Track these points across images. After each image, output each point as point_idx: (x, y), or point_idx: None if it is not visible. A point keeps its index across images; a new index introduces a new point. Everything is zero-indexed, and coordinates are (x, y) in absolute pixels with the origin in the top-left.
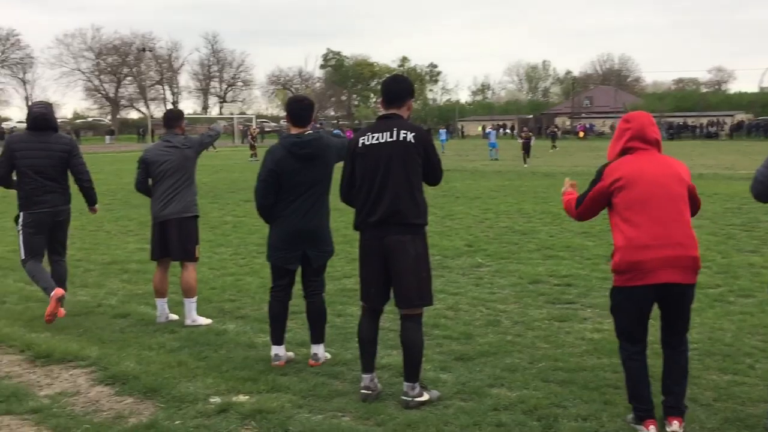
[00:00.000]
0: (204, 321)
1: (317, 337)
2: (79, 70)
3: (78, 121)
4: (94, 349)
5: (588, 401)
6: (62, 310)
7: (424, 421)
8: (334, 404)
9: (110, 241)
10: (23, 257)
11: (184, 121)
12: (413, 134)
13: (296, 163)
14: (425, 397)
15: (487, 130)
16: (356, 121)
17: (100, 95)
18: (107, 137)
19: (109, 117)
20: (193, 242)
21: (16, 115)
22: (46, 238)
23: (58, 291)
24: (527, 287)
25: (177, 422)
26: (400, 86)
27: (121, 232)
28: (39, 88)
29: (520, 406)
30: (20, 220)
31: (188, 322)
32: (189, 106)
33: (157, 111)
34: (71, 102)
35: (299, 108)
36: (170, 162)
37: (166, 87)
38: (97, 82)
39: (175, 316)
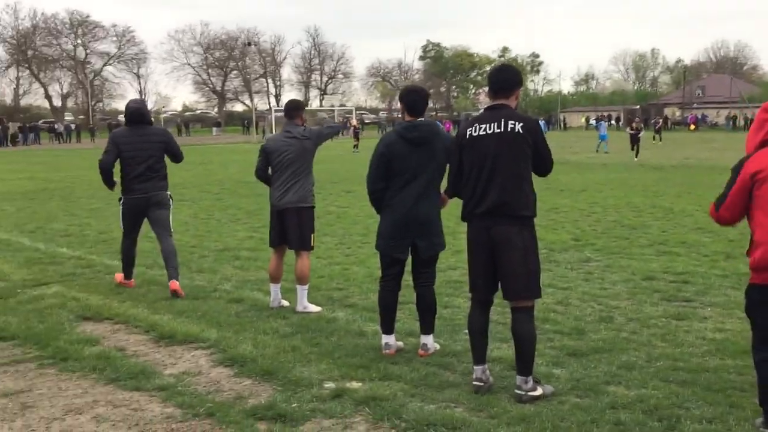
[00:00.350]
0: (314, 308)
1: (427, 328)
2: (189, 64)
3: (187, 113)
4: (213, 332)
5: (712, 403)
6: (132, 282)
7: (539, 416)
8: (446, 395)
9: (221, 229)
10: (123, 233)
11: (304, 112)
12: (522, 124)
13: (406, 148)
14: (539, 391)
15: (597, 121)
16: (455, 113)
17: (207, 88)
18: (214, 129)
19: (216, 109)
20: (308, 232)
21: None
22: (141, 219)
23: (130, 284)
24: (641, 284)
25: (294, 405)
26: (508, 75)
27: (230, 221)
28: (151, 82)
29: (639, 405)
30: (121, 202)
31: (299, 308)
32: (291, 98)
33: (261, 104)
34: (181, 95)
35: (416, 98)
36: (289, 152)
37: (270, 80)
38: (205, 76)
39: (286, 303)
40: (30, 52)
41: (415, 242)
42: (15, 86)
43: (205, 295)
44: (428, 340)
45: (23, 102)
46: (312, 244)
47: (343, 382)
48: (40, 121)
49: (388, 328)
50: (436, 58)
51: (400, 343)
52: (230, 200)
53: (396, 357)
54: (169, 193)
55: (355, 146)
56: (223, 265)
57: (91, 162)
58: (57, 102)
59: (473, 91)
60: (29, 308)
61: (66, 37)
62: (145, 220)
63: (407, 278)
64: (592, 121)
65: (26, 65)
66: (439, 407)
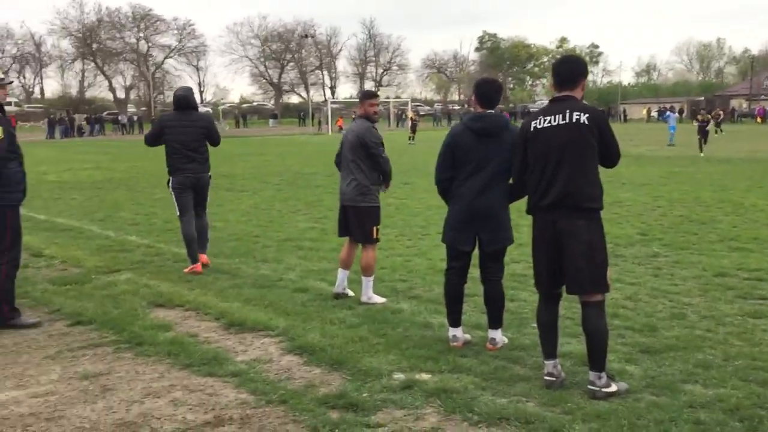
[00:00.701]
0: (379, 299)
1: (495, 321)
2: (247, 56)
3: (244, 105)
4: (281, 321)
5: None
6: (200, 266)
7: (615, 413)
8: (517, 389)
9: (282, 220)
10: (178, 214)
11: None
12: (587, 115)
13: (472, 139)
14: (613, 387)
15: (665, 113)
16: (511, 105)
17: (264, 81)
18: (271, 121)
19: (273, 101)
20: (370, 226)
21: None
22: (191, 198)
23: (197, 267)
24: (713, 280)
25: (365, 395)
26: (573, 66)
27: (291, 212)
28: (210, 75)
29: (718, 405)
30: (170, 184)
31: (364, 299)
32: (346, 90)
33: (317, 95)
34: (238, 87)
35: (491, 89)
36: (345, 144)
37: (325, 72)
38: (262, 68)
39: (351, 293)
40: (95, 46)
41: (479, 235)
42: (80, 79)
43: (270, 284)
44: (496, 334)
45: (88, 94)
46: (375, 237)
47: (413, 374)
48: (104, 113)
49: (454, 320)
50: (492, 49)
51: (468, 336)
52: (289, 191)
53: (464, 350)
54: (209, 174)
55: (411, 138)
56: (286, 255)
57: (154, 152)
58: (120, 94)
59: (530, 82)
60: (104, 294)
61: (129, 30)
62: None
63: (473, 271)
64: (655, 113)
65: (91, 58)
66: (511, 401)
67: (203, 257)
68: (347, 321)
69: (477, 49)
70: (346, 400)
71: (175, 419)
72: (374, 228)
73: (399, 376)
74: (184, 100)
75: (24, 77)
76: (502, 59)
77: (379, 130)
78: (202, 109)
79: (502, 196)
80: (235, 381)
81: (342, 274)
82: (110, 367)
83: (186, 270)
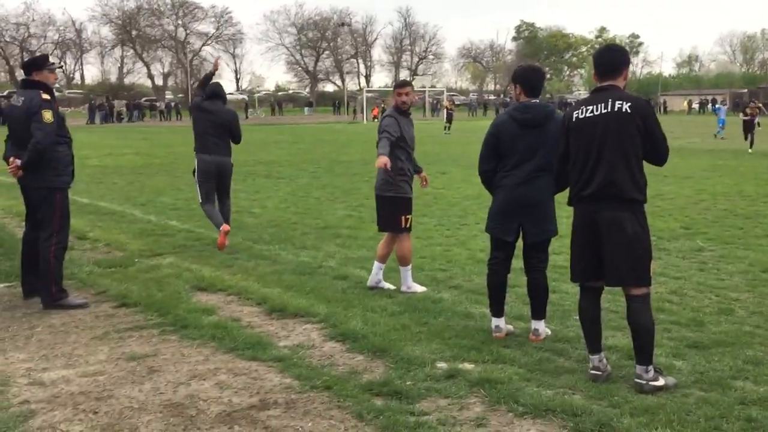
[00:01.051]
0: (419, 288)
1: (538, 312)
2: (283, 44)
3: (280, 93)
4: (322, 307)
5: None
6: (227, 242)
7: (663, 408)
8: (562, 381)
9: (320, 207)
10: (200, 201)
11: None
12: (629, 104)
13: (517, 129)
14: (661, 381)
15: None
16: (548, 95)
17: (300, 69)
18: (306, 109)
19: (308, 90)
20: (397, 215)
21: (228, 87)
22: (213, 185)
23: (225, 227)
24: (760, 276)
25: (408, 383)
26: (615, 55)
27: (328, 199)
28: (246, 62)
29: None
30: (195, 172)
31: (404, 288)
32: (381, 79)
33: (351, 84)
34: (274, 75)
35: (536, 77)
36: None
37: (360, 60)
38: (298, 56)
39: (389, 285)
40: (134, 32)
41: (523, 225)
42: (120, 65)
43: (311, 270)
44: (540, 325)
45: (127, 80)
46: (404, 226)
47: (456, 363)
48: (143, 99)
49: (497, 310)
50: (529, 38)
51: (511, 327)
52: (326, 179)
53: (507, 340)
54: (231, 161)
55: (446, 128)
56: (325, 242)
57: (192, 138)
58: (158, 81)
59: (567, 73)
60: (147, 277)
61: (168, 17)
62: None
63: (515, 262)
64: (696, 105)
65: (130, 45)
66: (557, 393)
67: (226, 241)
68: (388, 309)
69: (514, 39)
70: (389, 388)
71: (221, 402)
72: (402, 217)
73: (442, 365)
74: (215, 93)
75: (65, 63)
76: (539, 49)
77: (415, 120)
78: (237, 97)
79: (547, 187)
80: (279, 366)
81: (376, 267)
82: (156, 349)
83: (219, 241)
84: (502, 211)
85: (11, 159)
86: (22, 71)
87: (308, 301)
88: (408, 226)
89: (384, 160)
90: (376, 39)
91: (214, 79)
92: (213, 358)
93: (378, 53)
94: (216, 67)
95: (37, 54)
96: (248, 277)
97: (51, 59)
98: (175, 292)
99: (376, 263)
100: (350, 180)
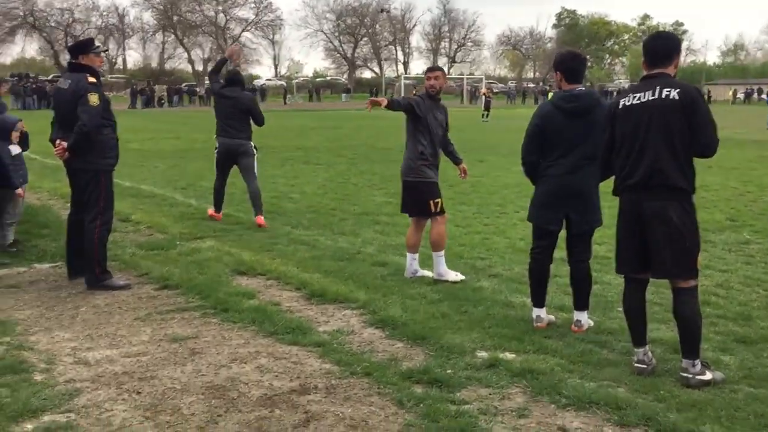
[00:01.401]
0: (453, 276)
1: (581, 303)
2: (321, 31)
3: (318, 79)
4: (361, 293)
5: None
6: (220, 216)
7: (711, 404)
8: (605, 373)
9: (358, 193)
10: (216, 176)
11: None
12: (678, 90)
13: (563, 119)
14: (708, 376)
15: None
16: (588, 83)
17: (338, 55)
18: (343, 95)
19: (345, 76)
20: (426, 198)
21: (266, 73)
22: (228, 165)
23: (211, 210)
24: None
25: (449, 371)
26: (666, 42)
27: (367, 186)
28: (285, 49)
29: None
30: (216, 150)
31: (435, 276)
32: (419, 66)
33: (389, 71)
34: (312, 62)
35: (577, 63)
36: None
37: (399, 47)
38: (336, 43)
39: (427, 273)
40: (175, 18)
41: (568, 215)
42: (161, 51)
43: (349, 257)
44: (582, 316)
45: (168, 66)
46: (433, 210)
47: (497, 353)
48: (183, 85)
49: (539, 300)
50: (570, 26)
51: (552, 317)
52: (364, 165)
53: (548, 331)
54: (252, 143)
55: (484, 115)
56: (363, 228)
57: None
58: (198, 66)
59: (608, 61)
60: (189, 260)
61: (208, 3)
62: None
63: (557, 251)
64: (741, 94)
65: (172, 30)
66: (600, 386)
67: (260, 219)
68: (428, 297)
69: (554, 26)
70: (430, 376)
71: (262, 385)
72: (430, 202)
73: (483, 355)
74: (233, 80)
75: (108, 48)
76: (580, 36)
77: (452, 107)
78: (276, 83)
79: (592, 177)
80: (319, 351)
81: (409, 258)
82: (198, 331)
83: (209, 215)
84: (548, 200)
85: (57, 141)
86: (68, 55)
87: (347, 287)
88: (439, 210)
89: (373, 100)
90: (414, 26)
91: (269, 62)
92: (253, 341)
93: (416, 40)
94: (232, 55)
95: (81, 38)
96: (288, 261)
97: (96, 43)
98: (215, 275)
99: (408, 254)
100: (388, 167)
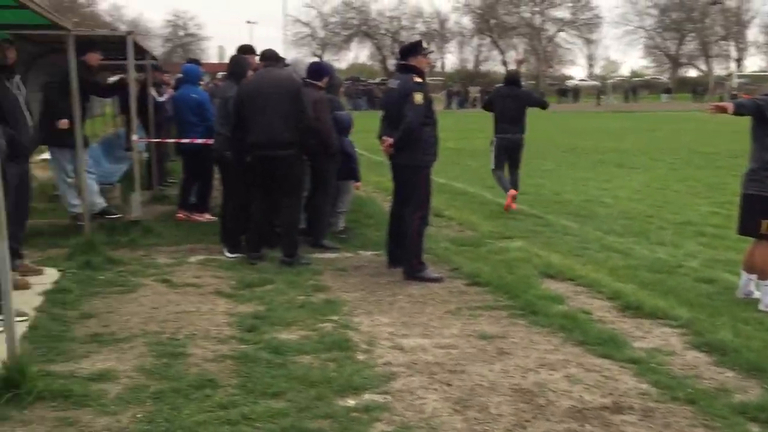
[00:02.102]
0: None
1: None
2: (642, 27)
3: (635, 79)
4: (684, 311)
5: None
6: (514, 205)
7: None
8: None
9: (679, 201)
10: (492, 167)
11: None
12: None
13: None
14: None
15: None
16: None
17: (659, 53)
18: (663, 96)
19: (667, 75)
20: (755, 217)
21: (579, 74)
22: (506, 157)
23: (512, 191)
24: None
25: None
26: None
27: (689, 193)
28: (602, 47)
29: None
30: (492, 144)
31: (761, 307)
32: (754, 63)
33: (719, 69)
34: (629, 61)
35: None
36: None
37: (731, 42)
38: (658, 40)
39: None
40: (492, 21)
41: None
42: (477, 53)
43: (669, 269)
44: None
45: (482, 68)
46: (761, 231)
47: None
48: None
49: None
50: None
51: None
52: (686, 171)
53: None
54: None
55: None
56: (685, 239)
57: (542, 124)
58: (511, 67)
59: None
60: (497, 259)
61: (525, 5)
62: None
63: None
64: None
65: (488, 33)
66: None
67: (513, 205)
68: (765, 323)
69: None
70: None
71: (571, 396)
72: (764, 222)
73: None
74: (516, 74)
75: (433, 50)
76: None
77: None
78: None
79: None
80: (634, 368)
81: (744, 278)
82: (505, 331)
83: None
84: None
85: (384, 138)
86: (398, 57)
87: (667, 302)
88: (764, 231)
89: (718, 105)
90: (753, 18)
91: (582, 62)
92: (562, 348)
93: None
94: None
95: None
96: (599, 268)
97: (424, 45)
98: (524, 276)
99: (743, 273)
100: (714, 173)
